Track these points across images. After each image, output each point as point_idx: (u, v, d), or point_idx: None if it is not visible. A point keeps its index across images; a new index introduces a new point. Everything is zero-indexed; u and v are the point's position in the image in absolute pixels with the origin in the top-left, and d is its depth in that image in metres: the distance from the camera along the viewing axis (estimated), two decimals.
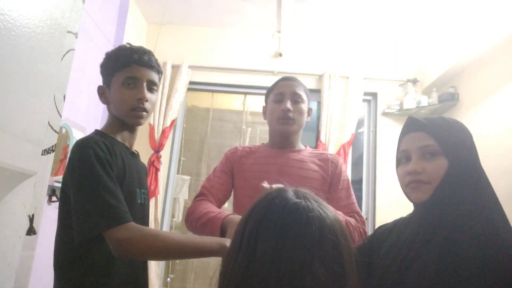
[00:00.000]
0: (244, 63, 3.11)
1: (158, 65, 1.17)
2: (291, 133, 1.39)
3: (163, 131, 2.90)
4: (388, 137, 2.95)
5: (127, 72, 1.09)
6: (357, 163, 3.16)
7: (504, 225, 0.81)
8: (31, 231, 0.50)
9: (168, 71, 3.00)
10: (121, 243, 0.88)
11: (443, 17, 2.74)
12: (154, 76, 1.15)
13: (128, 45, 1.15)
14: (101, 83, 1.14)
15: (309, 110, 1.45)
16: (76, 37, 0.56)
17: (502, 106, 2.25)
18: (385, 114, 3.03)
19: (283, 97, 1.38)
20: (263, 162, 1.38)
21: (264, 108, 1.48)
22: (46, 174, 0.52)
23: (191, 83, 3.08)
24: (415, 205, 0.92)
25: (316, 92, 2.99)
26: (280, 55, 3.12)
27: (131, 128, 1.15)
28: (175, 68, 3.03)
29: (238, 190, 1.39)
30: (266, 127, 1.55)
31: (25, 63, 0.45)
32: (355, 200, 1.38)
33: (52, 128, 0.53)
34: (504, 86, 2.25)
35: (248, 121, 3.19)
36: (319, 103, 3.00)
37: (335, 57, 3.12)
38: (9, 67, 0.43)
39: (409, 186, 0.89)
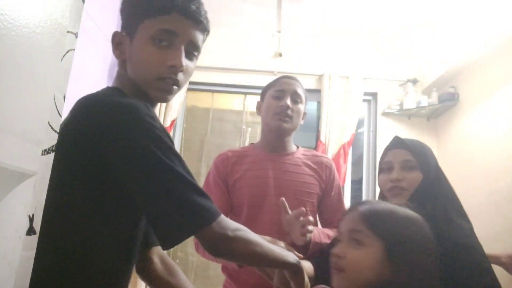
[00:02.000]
0: (244, 63, 3.11)
1: (208, 21, 0.81)
2: (285, 131, 1.37)
3: None
4: (388, 137, 2.90)
5: (163, 22, 0.74)
6: (357, 163, 3.16)
7: (453, 226, 0.99)
8: (31, 231, 0.50)
9: None
10: (225, 241, 0.70)
11: (443, 17, 2.74)
12: (199, 37, 0.79)
13: None
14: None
15: (304, 114, 1.43)
16: (76, 37, 0.56)
17: (502, 106, 2.24)
18: (385, 114, 3.03)
19: (283, 94, 1.36)
20: (258, 167, 1.36)
21: (259, 104, 1.45)
22: (46, 174, 0.52)
23: (191, 83, 3.07)
24: None
25: (316, 92, 2.99)
26: (280, 55, 3.12)
27: (152, 101, 0.81)
28: None
29: (234, 199, 1.35)
30: None
31: (25, 63, 0.45)
32: (344, 204, 1.44)
33: (52, 128, 0.52)
34: (504, 87, 2.25)
35: (248, 121, 3.19)
36: (319, 103, 3.00)
37: (335, 57, 3.12)
38: (9, 67, 0.42)
39: (391, 191, 1.11)
